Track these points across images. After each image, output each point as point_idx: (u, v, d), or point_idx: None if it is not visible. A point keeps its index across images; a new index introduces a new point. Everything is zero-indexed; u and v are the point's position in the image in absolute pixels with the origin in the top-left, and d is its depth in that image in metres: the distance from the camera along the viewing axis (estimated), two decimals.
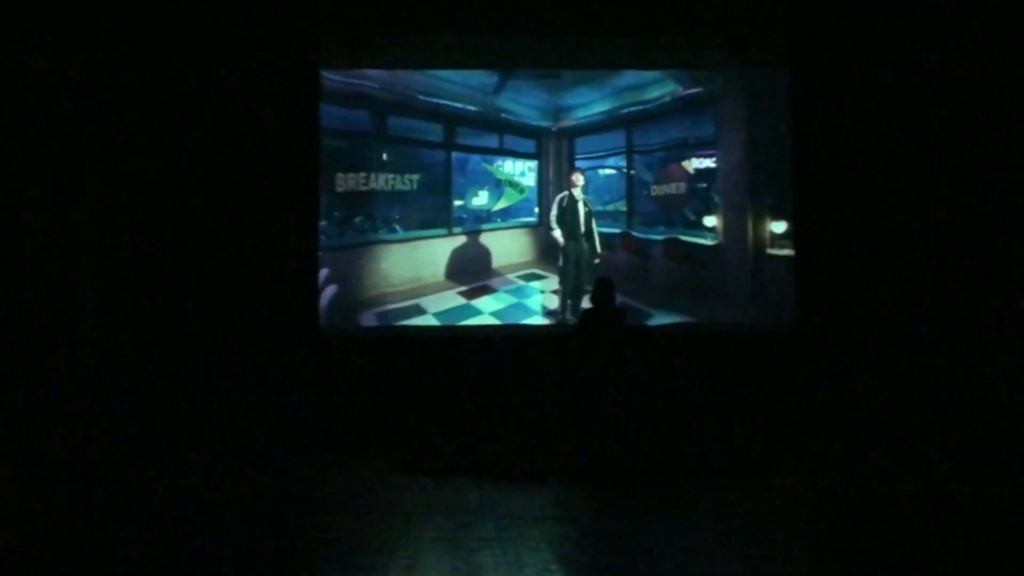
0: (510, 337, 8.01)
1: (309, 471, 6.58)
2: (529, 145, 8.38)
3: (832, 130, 8.14)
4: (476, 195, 8.26)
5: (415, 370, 7.88)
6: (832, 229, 8.12)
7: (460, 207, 8.25)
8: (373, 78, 8.12)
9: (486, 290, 8.14)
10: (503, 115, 8.28)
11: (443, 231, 8.18)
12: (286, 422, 7.56)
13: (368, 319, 8.05)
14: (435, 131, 8.25)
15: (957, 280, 7.82)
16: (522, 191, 8.34)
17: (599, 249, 8.15)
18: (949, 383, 7.61)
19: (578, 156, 8.35)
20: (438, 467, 6.43)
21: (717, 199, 8.31)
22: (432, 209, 8.19)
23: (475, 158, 8.30)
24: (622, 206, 8.38)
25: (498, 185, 8.31)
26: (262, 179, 7.85)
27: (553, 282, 8.23)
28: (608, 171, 8.44)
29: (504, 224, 8.27)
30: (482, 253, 8.21)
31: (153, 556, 4.45)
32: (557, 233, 8.11)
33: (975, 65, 7.83)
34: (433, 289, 8.09)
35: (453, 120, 8.22)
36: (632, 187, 8.40)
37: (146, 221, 7.63)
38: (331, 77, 8.02)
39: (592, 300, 7.01)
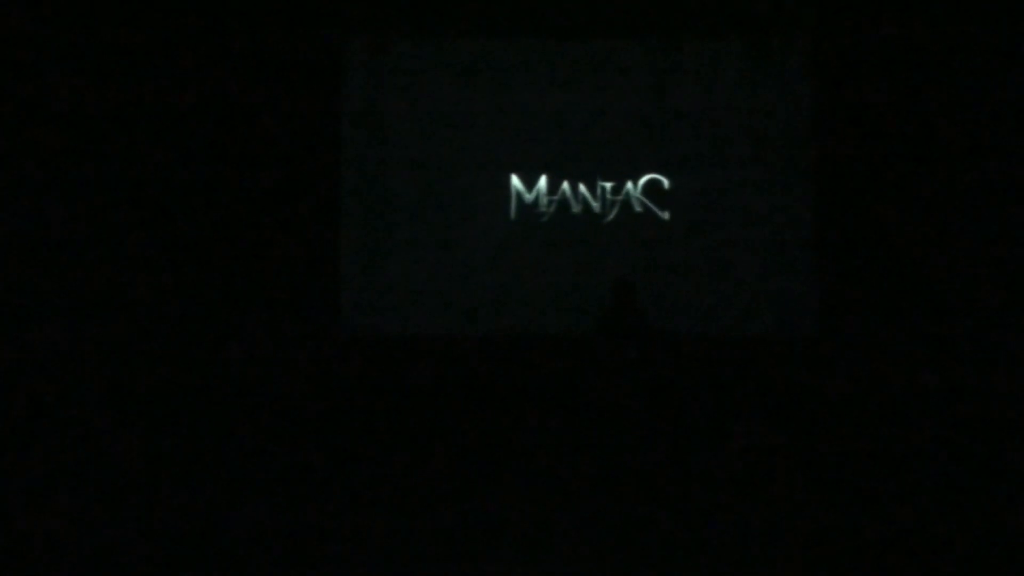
0: (531, 341, 8.00)
1: (323, 472, 6.59)
2: None
3: (857, 132, 8.07)
4: None
5: (433, 372, 7.88)
6: (856, 234, 8.04)
7: None
8: None
9: None
10: None
11: None
12: (301, 423, 7.57)
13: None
14: None
15: (988, 286, 7.71)
16: None
17: None
18: (976, 391, 7.50)
19: None
20: (455, 468, 6.42)
21: None
22: None
23: None
24: None
25: None
26: (282, 174, 7.89)
27: None
28: None
29: None
30: None
31: (160, 557, 4.46)
32: None
33: (1011, 62, 7.73)
34: None
35: None
36: None
37: (161, 217, 7.68)
38: None
39: (611, 303, 6.97)
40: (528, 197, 8.30)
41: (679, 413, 6.69)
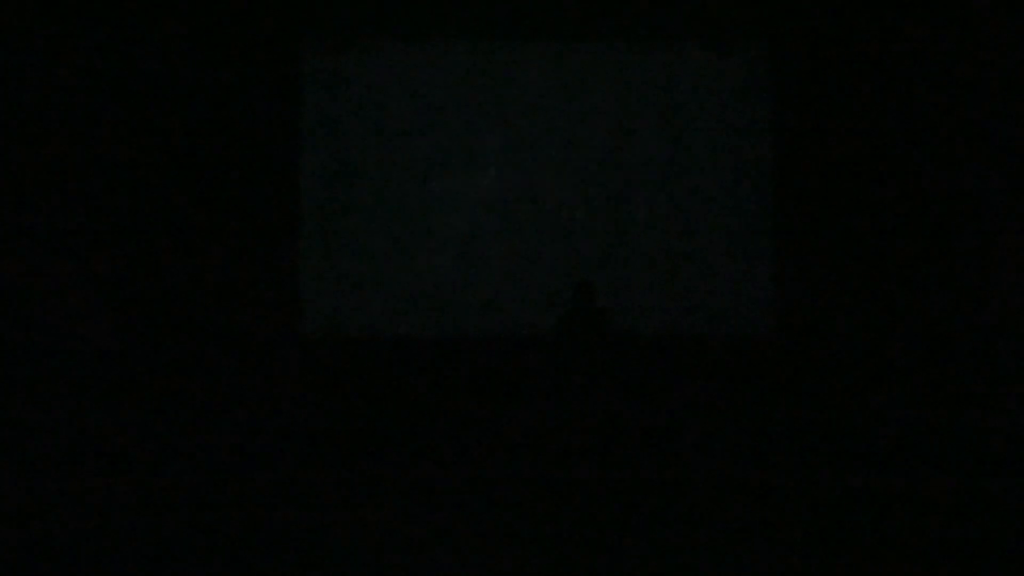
0: (492, 342, 8.02)
1: (290, 476, 6.56)
2: None
3: (817, 132, 8.16)
4: None
5: (398, 374, 7.88)
6: (816, 233, 8.15)
7: None
8: None
9: None
10: None
11: None
12: (266, 427, 7.53)
13: None
14: None
15: (947, 284, 7.85)
16: None
17: None
18: (938, 390, 7.63)
19: None
20: (423, 472, 6.42)
21: None
22: None
23: None
24: None
25: None
26: (242, 179, 7.85)
27: None
28: None
29: None
30: None
31: (143, 559, 4.44)
32: None
33: (967, 62, 7.87)
34: None
35: None
36: None
37: (119, 221, 7.62)
38: None
39: (571, 305, 7.01)
40: (489, 198, 8.33)
41: (640, 413, 6.74)
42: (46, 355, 6.99)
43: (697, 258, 8.31)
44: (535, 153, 8.37)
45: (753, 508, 5.72)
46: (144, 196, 7.69)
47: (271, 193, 7.90)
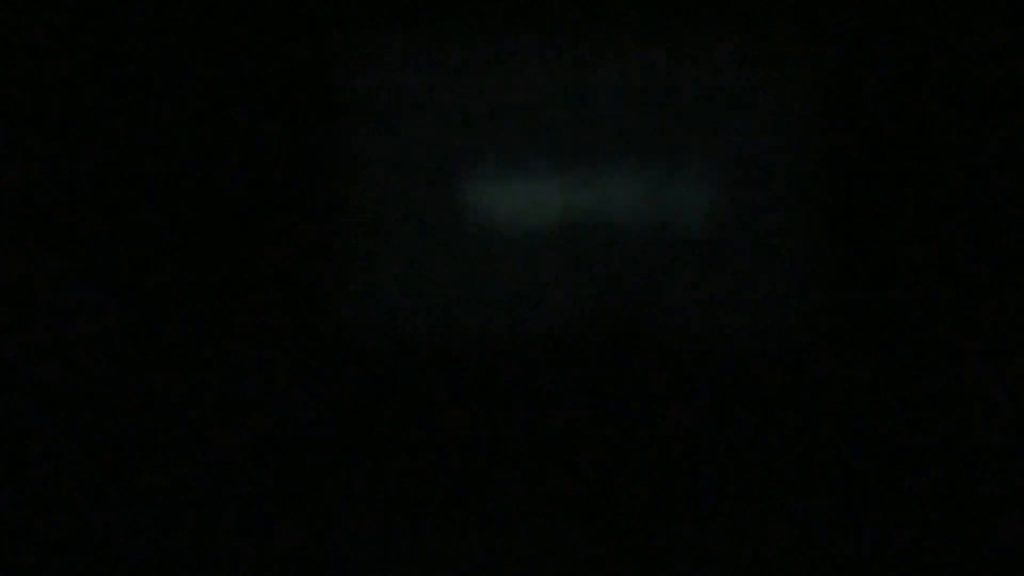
0: (524, 344, 8.01)
1: (316, 479, 6.59)
2: None
3: (854, 132, 8.13)
4: None
5: (426, 377, 7.89)
6: (852, 237, 8.09)
7: None
8: None
9: None
10: None
11: None
12: (290, 430, 7.55)
13: None
14: None
15: (986, 280, 7.77)
16: None
17: None
18: (972, 393, 7.55)
19: None
20: (452, 476, 6.42)
21: None
22: None
23: None
24: None
25: None
26: (272, 173, 7.91)
27: None
28: None
29: None
30: None
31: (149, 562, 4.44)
32: None
33: (1006, 55, 7.82)
34: None
35: None
36: None
37: (144, 214, 7.67)
38: None
39: (602, 306, 6.97)
40: (523, 197, 8.34)
41: (672, 417, 6.68)
42: (45, 354, 7.06)
43: (728, 259, 8.29)
44: (570, 148, 8.37)
45: (770, 512, 5.70)
46: (166, 189, 7.75)
47: (302, 191, 7.94)
